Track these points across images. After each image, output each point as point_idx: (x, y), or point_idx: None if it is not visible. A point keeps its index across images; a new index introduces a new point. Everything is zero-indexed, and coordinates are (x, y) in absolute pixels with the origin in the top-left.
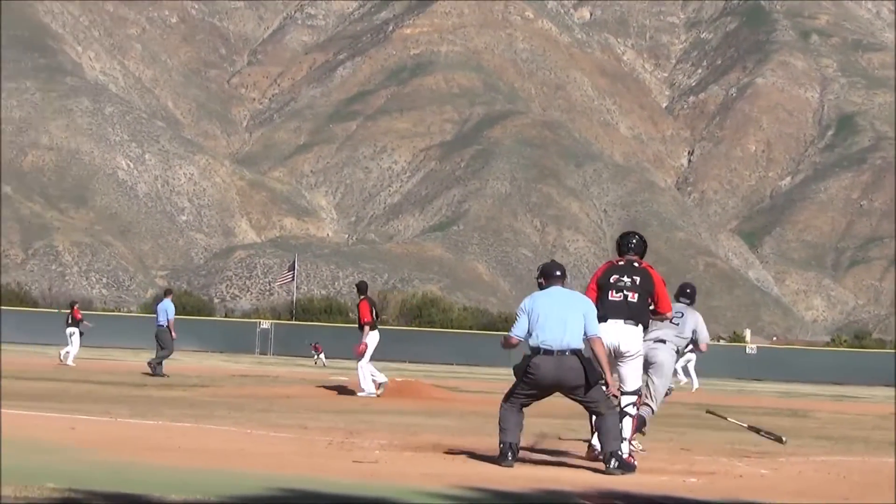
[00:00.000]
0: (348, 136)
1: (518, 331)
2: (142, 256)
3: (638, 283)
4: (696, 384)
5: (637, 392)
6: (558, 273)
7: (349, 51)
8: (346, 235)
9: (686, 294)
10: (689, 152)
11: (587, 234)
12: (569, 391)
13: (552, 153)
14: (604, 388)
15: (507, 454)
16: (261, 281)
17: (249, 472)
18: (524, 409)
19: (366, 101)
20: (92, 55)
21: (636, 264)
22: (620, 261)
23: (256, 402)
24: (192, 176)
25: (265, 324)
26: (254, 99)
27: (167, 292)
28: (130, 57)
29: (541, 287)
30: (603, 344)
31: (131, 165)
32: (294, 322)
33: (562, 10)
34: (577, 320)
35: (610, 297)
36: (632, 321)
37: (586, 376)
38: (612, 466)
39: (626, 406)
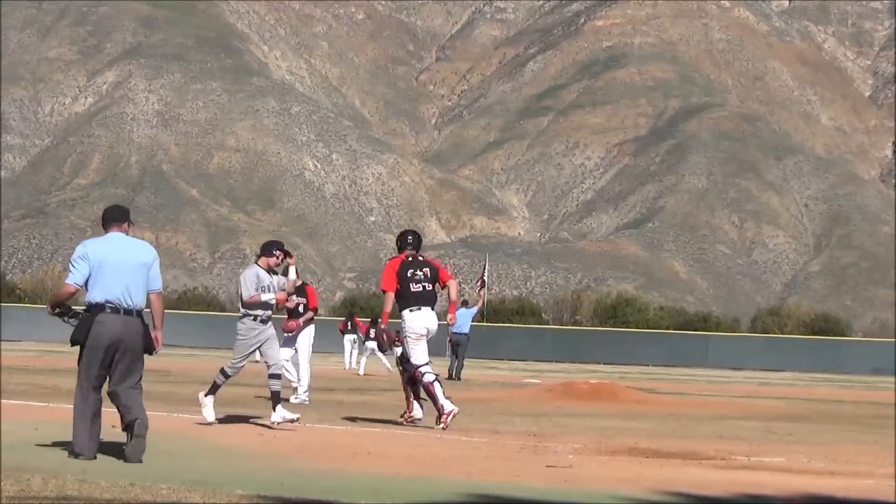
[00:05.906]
0: (540, 132)
1: (77, 278)
2: (329, 258)
3: None
4: None
5: None
6: (120, 215)
7: (540, 44)
8: (539, 234)
9: None
10: (893, 143)
11: (787, 230)
12: (121, 358)
13: (751, 146)
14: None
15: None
16: None
17: (441, 478)
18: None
19: (557, 95)
20: (278, 54)
21: None
22: None
23: None
24: (380, 175)
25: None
26: (442, 96)
27: (465, 303)
28: (317, 55)
29: None
30: (161, 299)
31: (319, 166)
32: (485, 324)
33: None
34: (143, 274)
35: None
36: None
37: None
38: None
39: None
